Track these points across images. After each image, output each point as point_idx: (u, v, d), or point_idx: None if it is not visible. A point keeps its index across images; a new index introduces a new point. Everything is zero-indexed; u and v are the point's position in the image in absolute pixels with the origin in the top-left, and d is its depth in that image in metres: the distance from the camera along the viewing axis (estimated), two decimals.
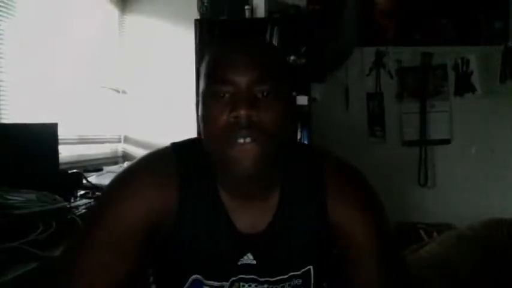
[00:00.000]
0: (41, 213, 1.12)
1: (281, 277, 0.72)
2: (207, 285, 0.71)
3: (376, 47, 3.09)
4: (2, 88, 1.86)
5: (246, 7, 2.74)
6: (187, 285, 0.71)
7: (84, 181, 1.74)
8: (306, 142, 2.67)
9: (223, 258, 0.71)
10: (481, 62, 3.06)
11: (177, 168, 0.72)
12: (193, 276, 0.71)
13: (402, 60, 3.11)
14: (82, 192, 1.74)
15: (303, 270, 0.73)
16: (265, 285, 0.72)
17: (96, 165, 2.34)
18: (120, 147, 3.06)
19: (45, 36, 2.17)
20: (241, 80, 0.63)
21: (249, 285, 0.71)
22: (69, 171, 1.68)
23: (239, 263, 0.71)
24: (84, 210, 1.43)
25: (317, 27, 2.82)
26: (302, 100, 2.68)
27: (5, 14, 1.86)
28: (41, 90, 2.14)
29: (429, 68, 3.10)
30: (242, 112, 0.61)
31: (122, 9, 3.06)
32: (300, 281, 0.73)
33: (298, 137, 2.70)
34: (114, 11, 2.98)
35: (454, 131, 3.12)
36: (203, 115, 0.66)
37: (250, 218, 0.72)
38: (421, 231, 2.86)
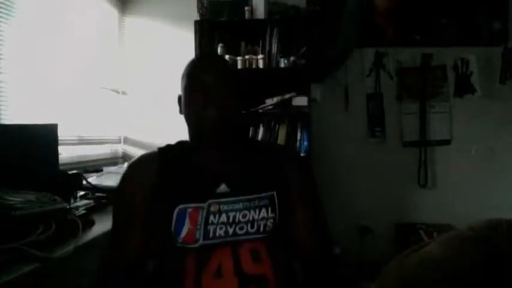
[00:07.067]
0: (40, 214, 1.12)
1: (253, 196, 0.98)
2: (190, 207, 0.93)
3: (376, 48, 3.10)
4: (2, 88, 1.86)
5: (246, 8, 2.74)
6: (174, 219, 0.92)
7: (84, 182, 1.74)
8: (305, 143, 2.67)
9: (202, 190, 0.97)
10: (481, 62, 3.07)
11: (158, 156, 1.05)
12: (178, 207, 0.93)
13: (402, 61, 3.11)
14: (82, 193, 1.75)
15: (269, 193, 0.98)
16: (241, 203, 0.96)
17: (96, 166, 2.34)
18: (120, 148, 3.07)
19: (45, 37, 2.17)
20: (209, 78, 1.00)
21: (226, 202, 0.95)
22: (69, 172, 1.68)
23: (217, 191, 0.97)
24: (84, 211, 1.43)
25: (317, 27, 2.82)
26: (302, 101, 2.68)
27: (4, 15, 1.87)
28: (41, 91, 2.14)
29: (429, 69, 3.10)
30: (212, 95, 0.98)
31: (122, 10, 3.06)
32: (267, 201, 0.98)
33: (298, 137, 2.70)
34: (113, 12, 2.99)
35: (454, 132, 3.11)
36: (187, 99, 1.01)
37: (220, 165, 1.01)
38: (421, 232, 2.86)
